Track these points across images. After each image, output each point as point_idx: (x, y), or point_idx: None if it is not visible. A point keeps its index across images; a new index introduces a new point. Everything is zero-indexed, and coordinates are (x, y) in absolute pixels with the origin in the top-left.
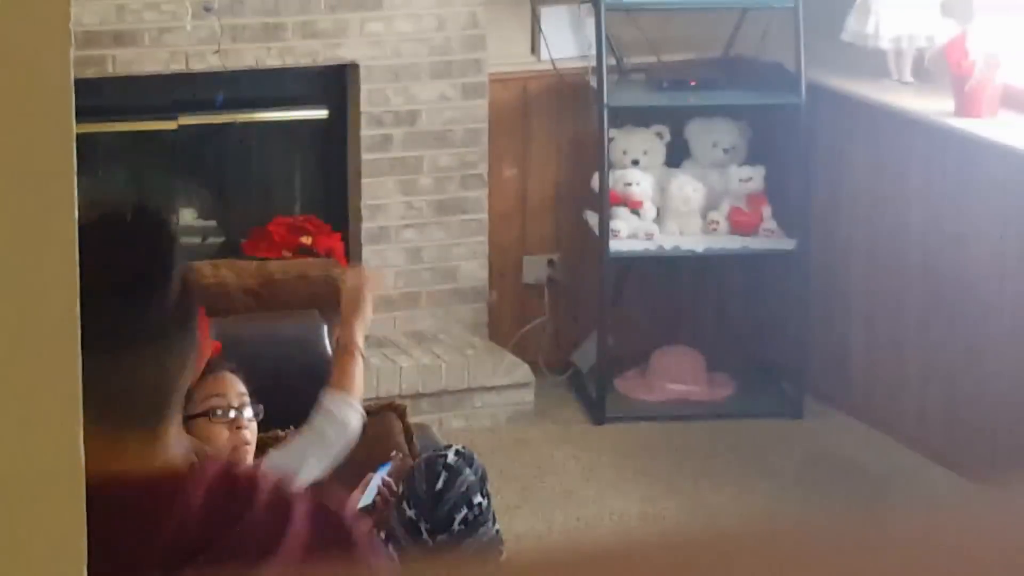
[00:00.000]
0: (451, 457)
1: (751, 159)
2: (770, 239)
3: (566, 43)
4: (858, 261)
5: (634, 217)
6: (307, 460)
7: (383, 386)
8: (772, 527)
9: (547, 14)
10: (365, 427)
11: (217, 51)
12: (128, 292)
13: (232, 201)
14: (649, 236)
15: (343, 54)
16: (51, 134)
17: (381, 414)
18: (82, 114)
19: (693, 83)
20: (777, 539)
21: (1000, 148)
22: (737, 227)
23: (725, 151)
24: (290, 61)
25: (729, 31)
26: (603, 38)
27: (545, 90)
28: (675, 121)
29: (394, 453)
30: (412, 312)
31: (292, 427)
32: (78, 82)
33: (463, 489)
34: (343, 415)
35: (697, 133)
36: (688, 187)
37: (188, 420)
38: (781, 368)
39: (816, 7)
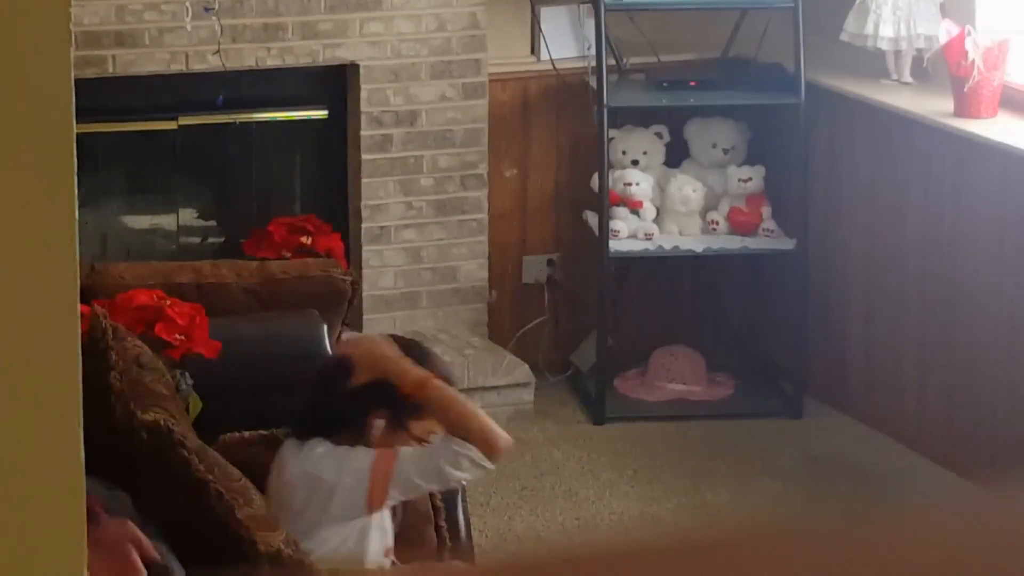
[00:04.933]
0: None
1: (750, 159)
2: (769, 239)
3: (566, 43)
4: (857, 261)
5: (634, 217)
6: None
7: None
8: (772, 527)
9: (547, 14)
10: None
11: (217, 51)
12: None
13: (232, 201)
14: (649, 236)
15: (343, 54)
16: (51, 134)
17: None
18: (82, 114)
19: (693, 83)
20: (776, 539)
21: (999, 149)
22: (736, 227)
23: (725, 151)
24: (290, 61)
25: (728, 31)
26: (603, 38)
27: (545, 90)
28: (675, 121)
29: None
30: (412, 312)
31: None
32: (78, 82)
33: None
34: (459, 470)
35: (696, 133)
36: (688, 187)
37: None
38: (780, 368)
39: (815, 7)
